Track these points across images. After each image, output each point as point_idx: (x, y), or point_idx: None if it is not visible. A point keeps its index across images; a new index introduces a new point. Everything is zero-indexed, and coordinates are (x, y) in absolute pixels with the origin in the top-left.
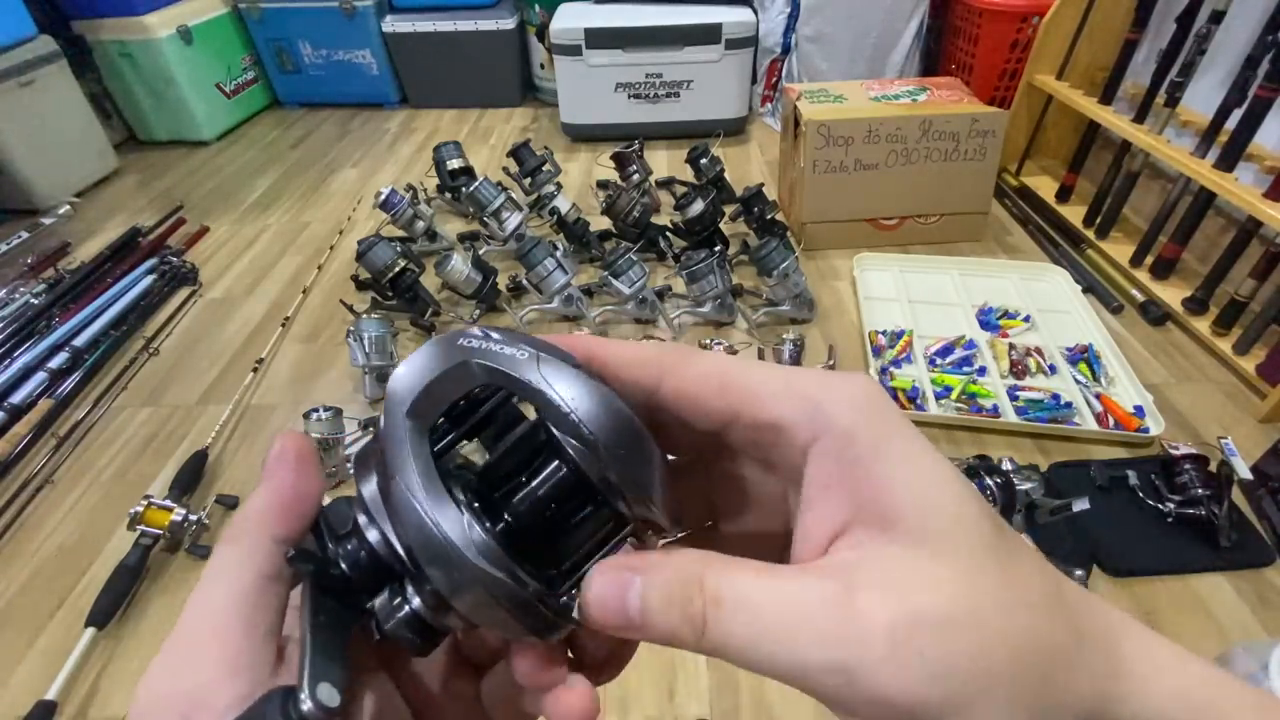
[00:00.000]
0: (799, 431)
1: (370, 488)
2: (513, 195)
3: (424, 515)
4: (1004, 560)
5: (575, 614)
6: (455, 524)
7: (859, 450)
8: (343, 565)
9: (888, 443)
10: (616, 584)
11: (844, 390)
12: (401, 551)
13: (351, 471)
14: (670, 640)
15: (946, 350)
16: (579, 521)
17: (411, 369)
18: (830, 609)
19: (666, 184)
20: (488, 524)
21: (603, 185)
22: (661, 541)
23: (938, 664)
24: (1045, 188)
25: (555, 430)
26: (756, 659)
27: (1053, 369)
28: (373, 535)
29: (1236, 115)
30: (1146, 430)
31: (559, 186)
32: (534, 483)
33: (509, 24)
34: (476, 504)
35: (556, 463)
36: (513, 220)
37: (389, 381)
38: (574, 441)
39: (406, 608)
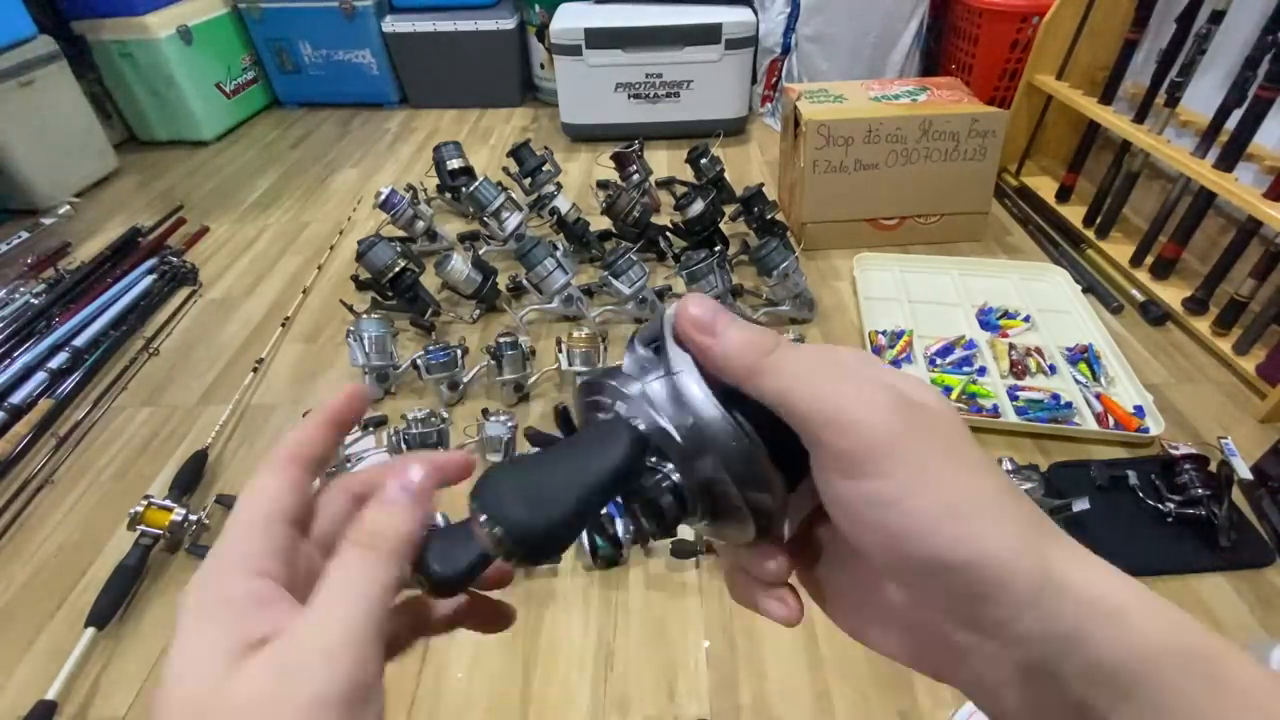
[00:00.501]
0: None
1: (633, 387)
2: (513, 195)
3: (714, 402)
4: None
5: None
6: (727, 417)
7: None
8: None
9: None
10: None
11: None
12: (677, 434)
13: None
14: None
15: (946, 350)
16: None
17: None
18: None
19: (666, 184)
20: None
21: (603, 185)
22: None
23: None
24: (1045, 188)
25: None
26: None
27: (1053, 369)
28: (640, 424)
29: (1236, 115)
30: (1146, 430)
31: (559, 186)
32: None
33: (509, 24)
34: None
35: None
36: (513, 220)
37: (667, 311)
38: None
39: (669, 480)
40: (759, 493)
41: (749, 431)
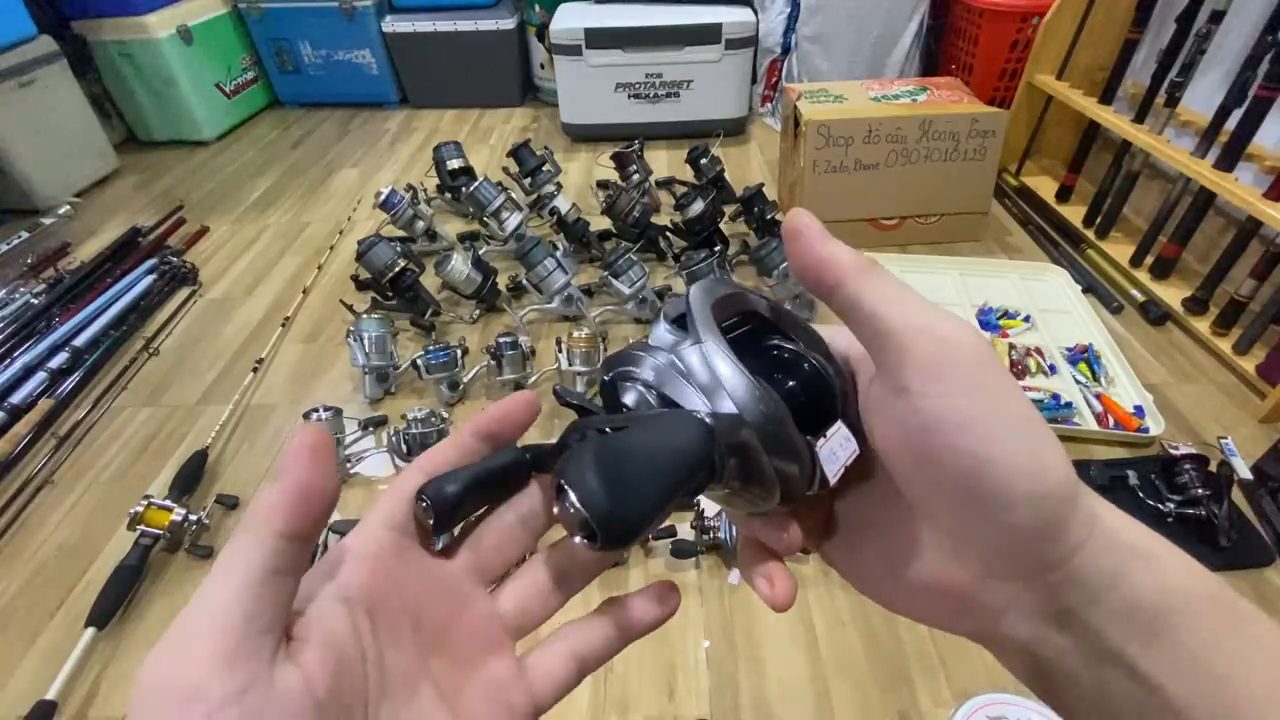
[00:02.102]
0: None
1: (662, 356)
2: (513, 195)
3: (744, 370)
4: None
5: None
6: (757, 384)
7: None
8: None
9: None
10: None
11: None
12: (708, 401)
13: (355, 471)
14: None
15: None
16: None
17: (709, 283)
18: None
19: (666, 184)
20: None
21: (603, 185)
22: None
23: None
24: (1045, 188)
25: (808, 353)
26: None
27: (1053, 369)
28: (667, 391)
29: (1236, 115)
30: (1146, 430)
31: (559, 186)
32: (792, 382)
33: (509, 24)
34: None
35: (812, 370)
36: (513, 220)
37: (692, 288)
38: (822, 360)
39: None
40: (786, 459)
41: (777, 399)
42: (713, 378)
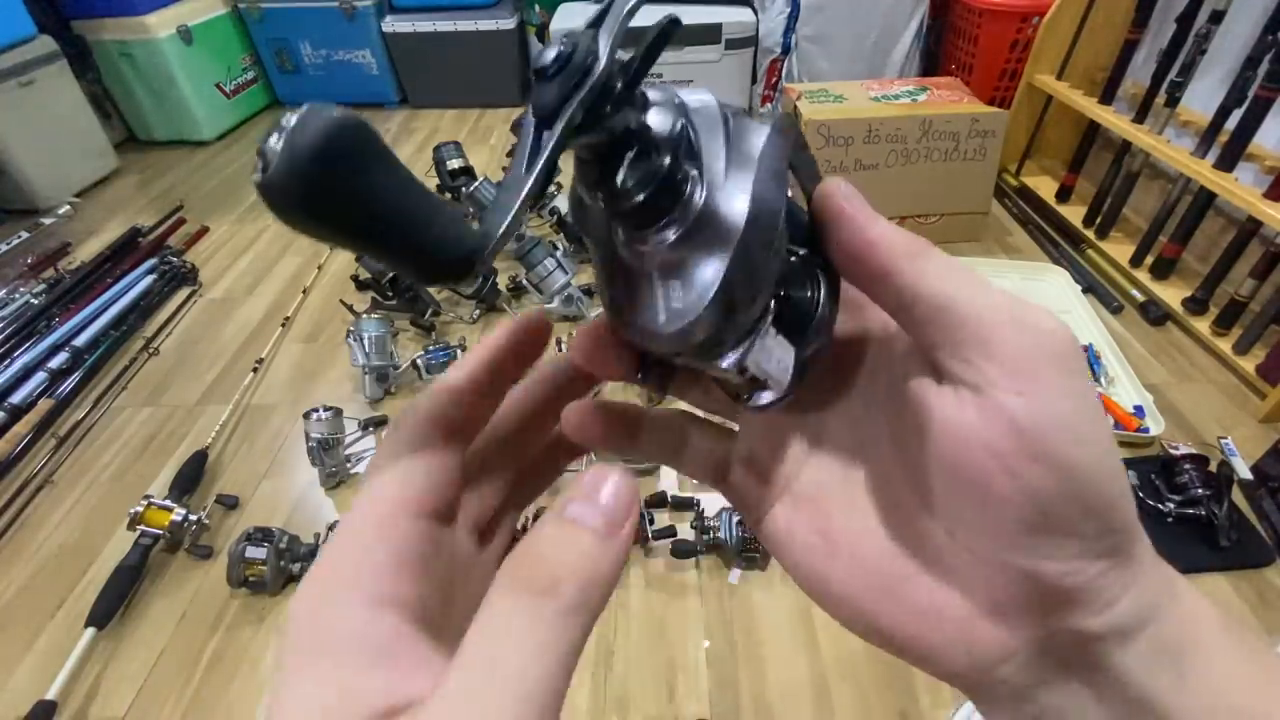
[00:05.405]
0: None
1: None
2: None
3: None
4: None
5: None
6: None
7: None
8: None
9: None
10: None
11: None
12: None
13: (355, 471)
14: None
15: None
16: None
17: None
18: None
19: None
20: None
21: None
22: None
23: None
24: (1045, 188)
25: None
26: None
27: None
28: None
29: (1236, 115)
30: (1146, 430)
31: (559, 186)
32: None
33: (509, 24)
34: None
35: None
36: None
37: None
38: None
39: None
40: (743, 278)
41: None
42: (751, 159)
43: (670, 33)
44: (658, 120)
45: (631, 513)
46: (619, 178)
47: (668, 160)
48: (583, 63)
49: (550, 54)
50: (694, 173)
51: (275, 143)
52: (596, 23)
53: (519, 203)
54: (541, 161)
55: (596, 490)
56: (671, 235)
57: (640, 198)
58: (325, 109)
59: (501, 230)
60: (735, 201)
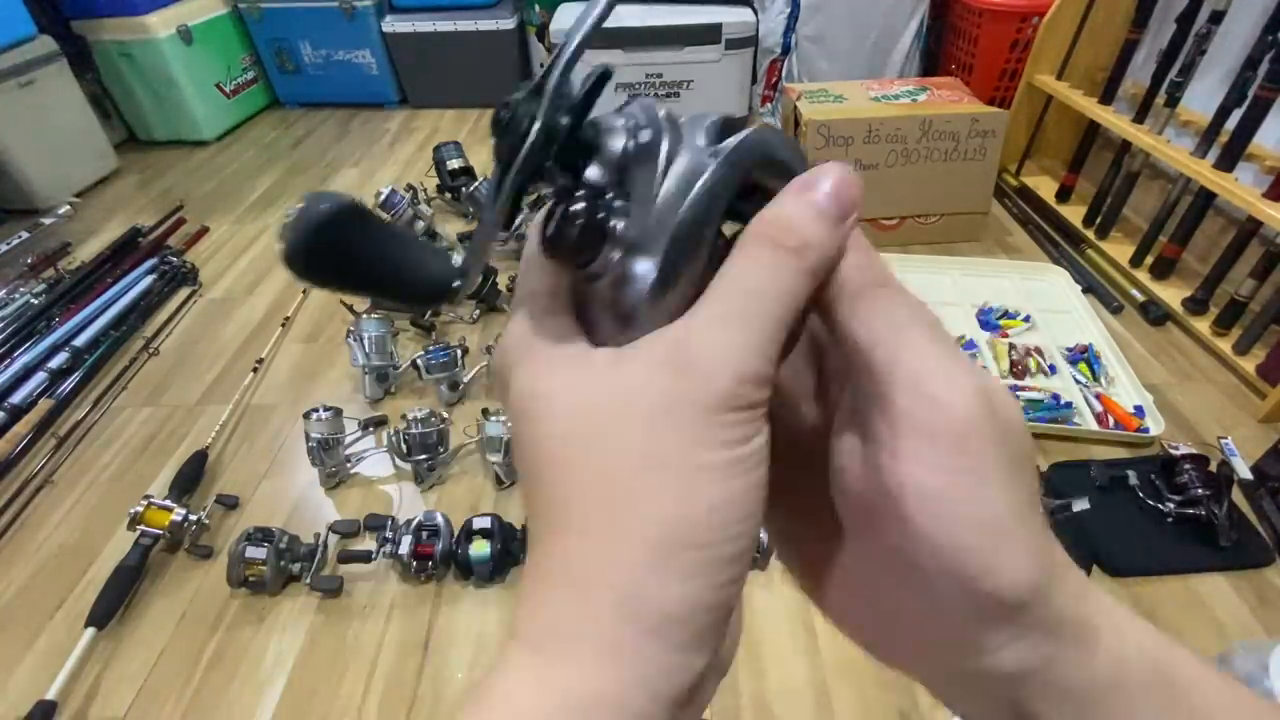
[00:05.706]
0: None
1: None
2: None
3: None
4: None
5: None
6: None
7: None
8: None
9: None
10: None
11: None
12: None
13: (355, 471)
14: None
15: None
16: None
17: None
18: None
19: None
20: None
21: None
22: None
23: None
24: (1045, 188)
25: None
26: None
27: (1053, 369)
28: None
29: (1236, 115)
30: (1146, 430)
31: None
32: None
33: (509, 24)
34: None
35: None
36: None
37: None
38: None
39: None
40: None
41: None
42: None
43: (602, 84)
44: (592, 171)
45: (858, 207)
46: (547, 229)
47: (582, 217)
48: (519, 127)
49: (496, 115)
50: (617, 226)
51: (287, 225)
52: (538, 88)
53: (486, 238)
54: (500, 201)
55: (828, 180)
56: (600, 284)
57: (561, 245)
58: (319, 199)
59: (474, 264)
60: (639, 266)
